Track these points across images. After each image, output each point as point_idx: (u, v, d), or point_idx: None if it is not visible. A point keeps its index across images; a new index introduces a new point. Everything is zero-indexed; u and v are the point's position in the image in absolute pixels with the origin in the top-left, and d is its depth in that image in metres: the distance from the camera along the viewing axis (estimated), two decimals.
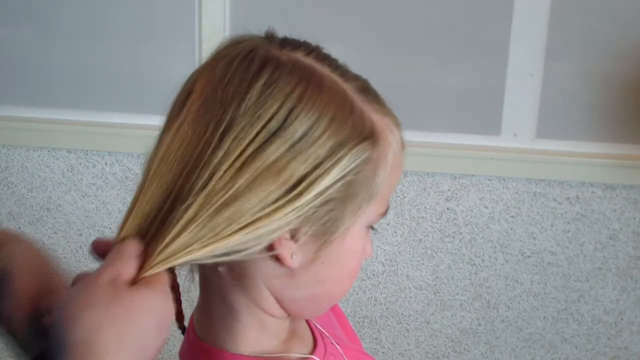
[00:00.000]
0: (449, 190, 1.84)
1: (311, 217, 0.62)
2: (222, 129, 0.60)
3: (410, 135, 2.12)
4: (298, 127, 0.60)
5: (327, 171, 0.61)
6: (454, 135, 1.83)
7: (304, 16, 1.84)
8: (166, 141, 0.62)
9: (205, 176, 0.59)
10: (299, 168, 0.60)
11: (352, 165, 0.62)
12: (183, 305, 0.74)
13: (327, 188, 0.61)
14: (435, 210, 1.85)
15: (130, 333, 0.55)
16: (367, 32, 1.82)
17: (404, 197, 1.85)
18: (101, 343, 0.54)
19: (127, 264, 0.59)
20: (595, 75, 1.77)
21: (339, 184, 0.62)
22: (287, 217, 0.60)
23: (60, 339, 0.54)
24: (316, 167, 0.60)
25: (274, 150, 0.59)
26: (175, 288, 0.69)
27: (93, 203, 1.95)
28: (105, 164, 1.93)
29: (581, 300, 1.87)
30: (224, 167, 0.59)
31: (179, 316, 0.74)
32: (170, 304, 0.60)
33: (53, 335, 0.55)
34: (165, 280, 0.60)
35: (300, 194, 0.60)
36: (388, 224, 1.87)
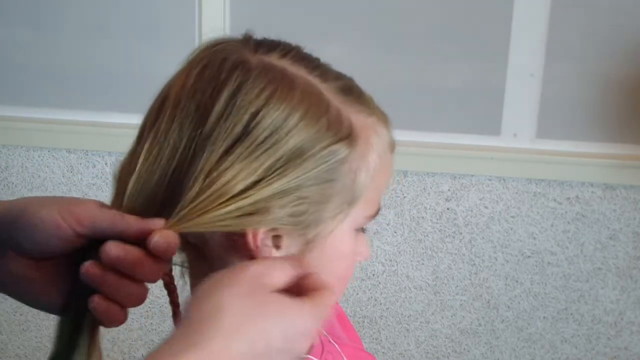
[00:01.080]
0: (449, 190, 1.84)
1: (289, 219, 0.61)
2: (193, 147, 0.60)
3: (410, 135, 2.11)
4: (262, 130, 0.60)
5: (289, 169, 0.60)
6: (454, 135, 1.83)
7: (303, 16, 1.84)
8: (141, 157, 0.62)
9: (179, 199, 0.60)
10: (265, 162, 0.60)
11: (323, 166, 0.61)
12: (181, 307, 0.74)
13: (290, 184, 0.60)
14: (435, 210, 1.85)
15: (253, 331, 0.53)
16: (366, 32, 1.82)
17: (404, 197, 1.85)
18: (221, 323, 0.52)
19: (278, 270, 0.57)
20: (595, 75, 1.77)
21: (306, 182, 0.61)
22: (248, 208, 0.60)
23: (187, 308, 0.54)
24: (279, 163, 0.60)
25: (237, 155, 0.59)
26: (172, 289, 0.69)
27: None
28: (105, 164, 1.93)
29: (581, 300, 1.86)
30: (197, 186, 0.59)
31: (178, 318, 0.73)
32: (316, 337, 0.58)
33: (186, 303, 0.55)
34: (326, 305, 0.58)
35: (262, 187, 0.59)
36: (388, 224, 1.87)
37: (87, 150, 1.94)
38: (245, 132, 0.60)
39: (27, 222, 0.58)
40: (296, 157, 0.60)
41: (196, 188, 0.59)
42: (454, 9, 1.78)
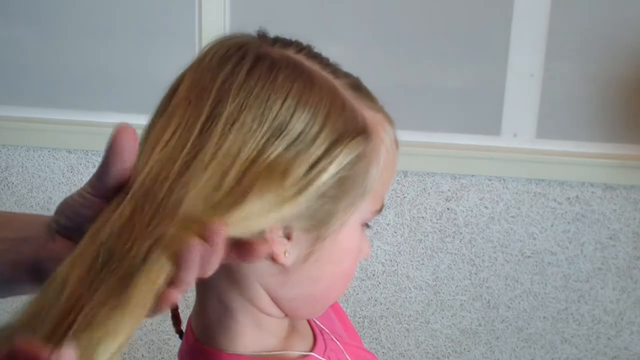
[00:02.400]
0: (449, 190, 1.84)
1: (304, 213, 0.61)
2: (222, 121, 0.58)
3: (410, 135, 2.10)
4: (295, 126, 0.59)
5: (324, 169, 0.60)
6: (454, 135, 1.83)
7: (304, 16, 1.84)
8: (152, 136, 0.60)
9: (213, 175, 0.56)
10: (300, 168, 0.59)
11: (347, 161, 0.62)
12: (180, 308, 0.74)
13: (324, 185, 0.61)
14: (435, 210, 1.85)
15: None
16: (367, 32, 1.82)
17: (404, 197, 1.85)
18: None
19: None
20: (595, 75, 1.77)
21: (334, 180, 0.61)
22: (284, 215, 0.59)
23: None
24: (314, 165, 0.60)
25: (274, 150, 0.58)
26: None
27: None
28: None
29: (581, 300, 1.87)
30: (235, 169, 0.57)
31: (176, 320, 0.73)
32: None
33: None
34: None
35: (299, 193, 0.59)
36: (388, 224, 1.87)
37: (87, 150, 1.94)
38: (278, 130, 0.59)
39: (75, 195, 0.59)
40: (325, 156, 0.60)
41: (235, 193, 0.56)
42: (454, 9, 1.78)
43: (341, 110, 0.63)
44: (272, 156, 0.58)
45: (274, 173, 0.58)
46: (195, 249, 0.53)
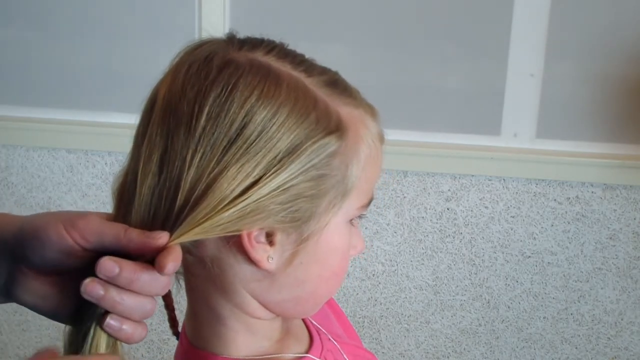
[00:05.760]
0: (449, 190, 1.84)
1: (283, 215, 0.61)
2: (187, 151, 0.60)
3: (410, 135, 2.11)
4: (254, 128, 0.60)
5: (284, 166, 0.60)
6: (454, 135, 1.83)
7: (303, 16, 1.84)
8: (140, 172, 0.62)
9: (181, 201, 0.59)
10: (261, 162, 0.59)
11: (316, 160, 0.61)
12: (177, 311, 0.74)
13: (286, 182, 0.60)
14: (435, 210, 1.85)
15: None
16: (367, 32, 1.82)
17: (404, 197, 1.85)
18: None
19: None
20: (595, 75, 1.77)
21: (301, 178, 0.61)
22: (247, 209, 0.60)
23: None
24: (275, 162, 0.60)
25: (231, 156, 0.59)
26: (167, 294, 0.69)
27: (93, 203, 1.95)
28: (105, 164, 1.93)
29: (581, 300, 1.86)
30: (196, 193, 0.59)
31: (173, 322, 0.73)
32: None
33: None
34: None
35: (257, 187, 0.59)
36: (388, 224, 1.87)
37: (87, 150, 1.94)
38: (237, 132, 0.59)
39: (34, 239, 0.57)
40: (289, 154, 0.60)
41: (195, 195, 0.59)
42: (454, 9, 1.78)
43: (311, 109, 0.62)
44: (232, 161, 0.59)
45: (230, 171, 0.59)
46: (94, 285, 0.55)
